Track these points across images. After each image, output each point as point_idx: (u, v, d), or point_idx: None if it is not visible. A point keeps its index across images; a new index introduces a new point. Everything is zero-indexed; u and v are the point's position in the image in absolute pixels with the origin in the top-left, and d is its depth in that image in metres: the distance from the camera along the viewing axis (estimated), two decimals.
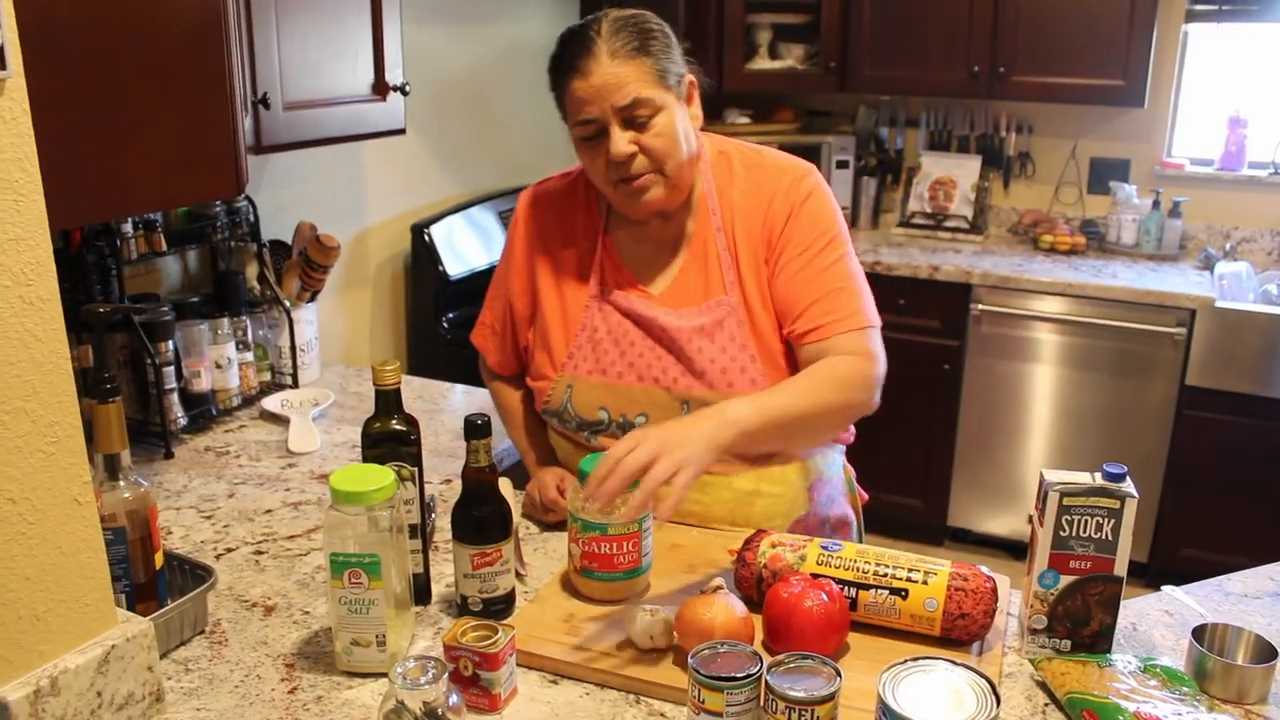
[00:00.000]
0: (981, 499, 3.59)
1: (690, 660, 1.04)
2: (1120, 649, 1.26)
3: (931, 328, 3.45)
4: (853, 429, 1.65)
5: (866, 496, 1.73)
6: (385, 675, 1.18)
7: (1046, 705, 1.18)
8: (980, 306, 3.38)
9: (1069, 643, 1.25)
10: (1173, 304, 3.14)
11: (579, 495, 1.32)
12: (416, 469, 1.30)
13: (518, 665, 1.23)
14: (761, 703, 1.03)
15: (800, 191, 1.51)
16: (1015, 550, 3.60)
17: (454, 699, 1.07)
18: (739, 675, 1.01)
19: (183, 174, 1.41)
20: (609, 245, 1.57)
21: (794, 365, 1.50)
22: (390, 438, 1.29)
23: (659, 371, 1.51)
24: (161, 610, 1.22)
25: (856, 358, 1.44)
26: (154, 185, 1.37)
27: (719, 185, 1.54)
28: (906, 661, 1.02)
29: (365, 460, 1.29)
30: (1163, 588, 1.43)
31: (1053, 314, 3.32)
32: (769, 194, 1.51)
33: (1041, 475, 1.24)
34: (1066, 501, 1.20)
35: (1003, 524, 3.58)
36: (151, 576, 1.25)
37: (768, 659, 1.04)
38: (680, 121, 1.44)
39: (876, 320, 1.50)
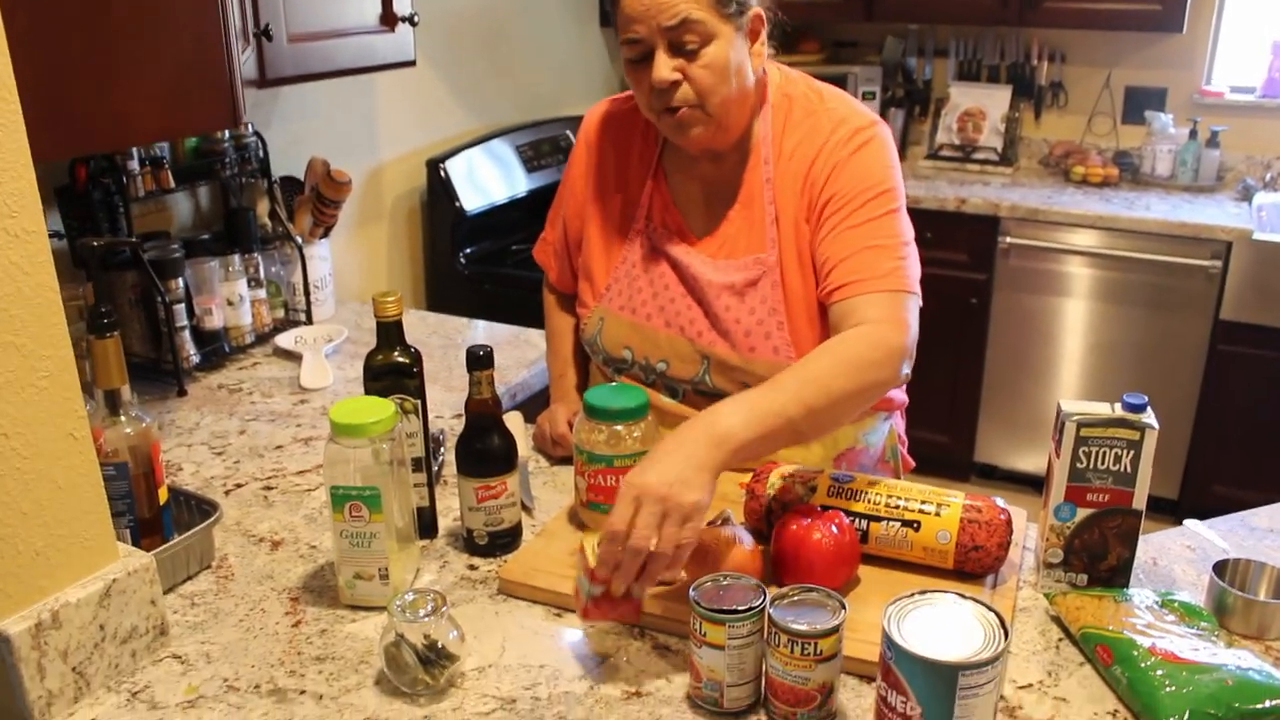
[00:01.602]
0: (1009, 435, 3.55)
1: (691, 593, 1.02)
2: (1139, 584, 1.23)
3: (959, 261, 3.38)
4: (904, 394, 1.58)
5: (912, 464, 1.68)
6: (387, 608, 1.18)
7: (1060, 640, 1.15)
8: (1009, 240, 3.31)
9: (1085, 577, 1.22)
10: (1208, 236, 3.05)
11: (585, 429, 1.29)
12: (420, 401, 1.28)
13: (524, 599, 1.22)
14: (765, 636, 1.01)
15: (852, 145, 1.38)
16: (1042, 486, 3.55)
17: (453, 633, 1.06)
18: (741, 608, 0.99)
19: (177, 105, 1.38)
20: (661, 180, 1.51)
21: (828, 332, 1.38)
22: (392, 370, 1.27)
23: (686, 321, 1.47)
24: (166, 545, 1.22)
25: (879, 326, 1.30)
26: (147, 116, 1.35)
27: (776, 132, 1.44)
28: (913, 594, 1.00)
29: (367, 393, 1.27)
30: (1185, 522, 1.39)
31: (1084, 247, 3.24)
32: (817, 148, 1.40)
33: (1059, 406, 1.20)
34: (1084, 433, 1.16)
35: (1030, 460, 3.54)
36: (156, 512, 1.24)
37: (772, 592, 1.02)
38: (735, 55, 1.33)
39: (915, 288, 1.35)
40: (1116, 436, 1.16)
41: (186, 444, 1.64)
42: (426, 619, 1.05)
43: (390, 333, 1.27)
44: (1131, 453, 1.16)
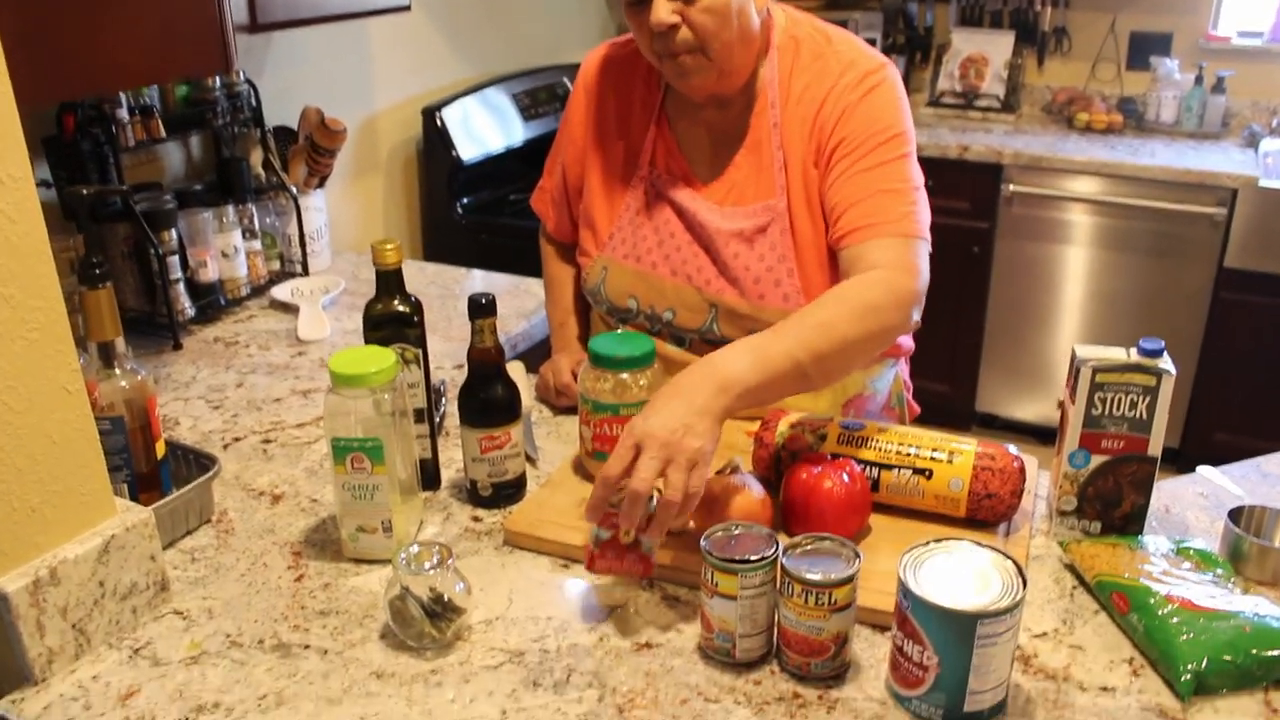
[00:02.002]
0: (1010, 384, 3.53)
1: (703, 543, 1.00)
2: (1152, 531, 1.22)
3: (961, 209, 3.34)
4: (910, 341, 1.56)
5: (918, 409, 1.66)
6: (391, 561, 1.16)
7: (1075, 588, 1.14)
8: (1012, 187, 3.27)
9: (1099, 524, 1.20)
10: (1213, 183, 3.02)
11: (590, 378, 1.27)
12: (421, 351, 1.26)
13: (530, 551, 1.20)
14: (777, 586, 0.99)
15: (861, 88, 1.34)
16: (1043, 435, 3.56)
17: (459, 586, 1.04)
18: (753, 558, 0.97)
19: (166, 48, 1.34)
20: (664, 125, 1.47)
21: (838, 279, 1.35)
22: (393, 319, 1.24)
23: (693, 269, 1.44)
24: (164, 500, 1.19)
25: (890, 272, 1.26)
26: (135, 59, 1.31)
27: (783, 75, 1.39)
28: (929, 543, 0.98)
29: (367, 343, 1.24)
30: (1198, 468, 1.38)
31: (1087, 195, 3.20)
32: (825, 91, 1.36)
33: (1074, 351, 1.17)
34: (1100, 378, 1.14)
35: (1031, 409, 3.53)
36: (153, 466, 1.22)
37: (784, 541, 1.00)
38: None
39: (926, 233, 1.32)
40: (1132, 382, 1.14)
41: (183, 398, 1.62)
42: (432, 572, 1.03)
43: (390, 281, 1.24)
44: (1147, 398, 1.14)
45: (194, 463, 1.30)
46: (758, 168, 1.41)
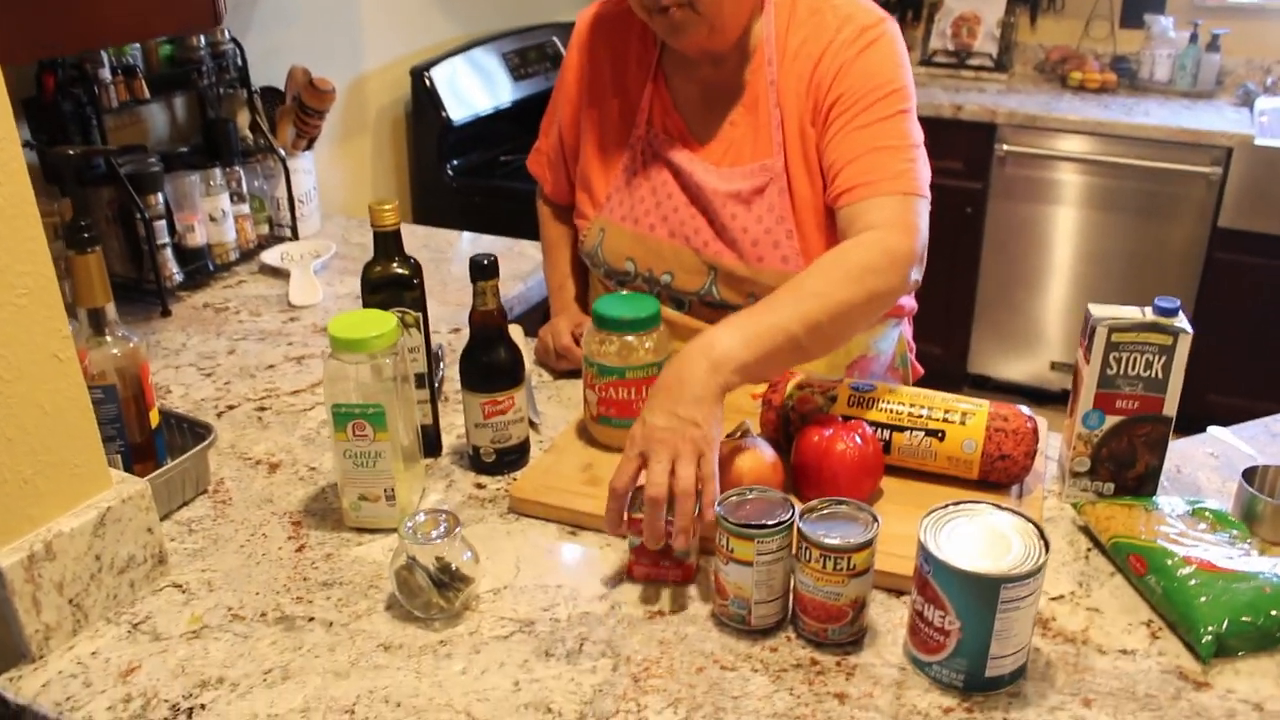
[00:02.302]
0: (1002, 345, 3.52)
1: (718, 508, 0.98)
2: (1164, 492, 1.20)
3: (954, 169, 3.31)
4: (913, 301, 1.53)
5: (921, 371, 1.64)
6: (395, 531, 1.14)
7: (1089, 550, 1.12)
8: (1005, 147, 3.24)
9: (1112, 485, 1.19)
10: (1209, 142, 2.99)
11: (595, 341, 1.24)
12: (421, 314, 1.23)
13: (536, 518, 1.18)
14: (794, 551, 0.97)
15: (859, 43, 1.30)
16: (1036, 396, 3.55)
17: (466, 555, 1.02)
18: (770, 523, 0.95)
19: (152, 2, 1.29)
20: (661, 83, 1.43)
21: (837, 240, 1.31)
22: (391, 282, 1.21)
23: (691, 231, 1.40)
24: (160, 470, 1.16)
25: (887, 232, 1.22)
26: (120, 15, 1.26)
27: (779, 31, 1.35)
28: (948, 505, 0.96)
29: (366, 306, 1.21)
30: (1209, 429, 1.36)
31: (1081, 154, 3.18)
32: (823, 47, 1.32)
33: (1088, 310, 1.15)
34: (1115, 338, 1.12)
35: (1023, 370, 3.52)
36: (147, 435, 1.19)
37: (799, 505, 0.98)
38: None
39: (925, 191, 1.28)
40: (1148, 341, 1.12)
41: (173, 365, 1.58)
42: (439, 540, 1.01)
43: (388, 243, 1.21)
44: (1163, 358, 1.12)
45: (189, 432, 1.27)
46: (754, 127, 1.37)
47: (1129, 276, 3.25)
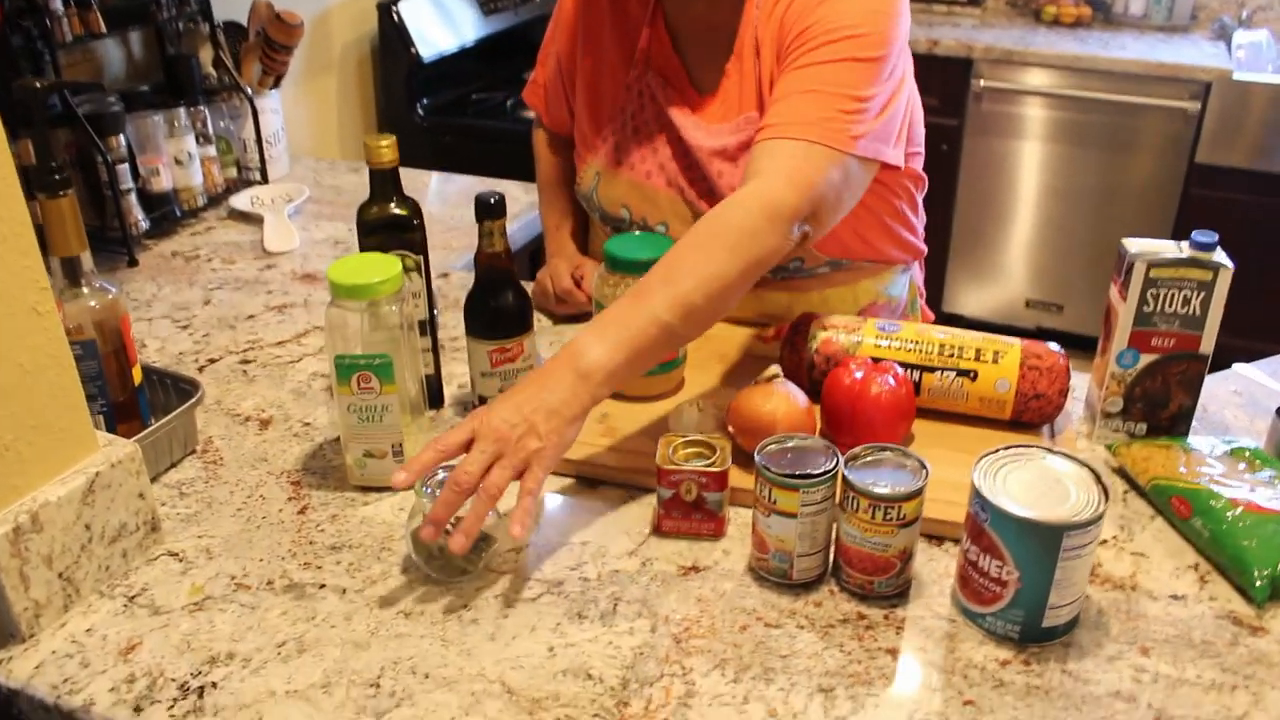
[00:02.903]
0: (976, 282, 3.50)
1: (757, 457, 0.92)
2: (1194, 433, 1.17)
3: (929, 106, 3.18)
4: (921, 243, 1.45)
5: (932, 316, 1.58)
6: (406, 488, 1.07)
7: (1127, 493, 1.09)
8: (982, 83, 3.19)
9: (1144, 426, 1.15)
10: (1187, 77, 2.96)
11: (608, 284, 1.17)
12: (422, 258, 1.15)
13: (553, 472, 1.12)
14: (839, 500, 0.92)
15: None
16: (1008, 335, 3.54)
17: (490, 516, 0.96)
18: (815, 472, 0.90)
19: None
20: (659, 23, 1.34)
21: None
22: (390, 224, 1.13)
23: (685, 182, 1.33)
24: (146, 430, 1.08)
25: (764, 183, 1.09)
26: None
27: None
28: (999, 450, 0.91)
29: (363, 250, 1.13)
30: (1234, 365, 1.33)
31: (1058, 89, 3.14)
32: None
33: (1122, 246, 1.11)
34: (1153, 274, 1.08)
35: (996, 309, 3.52)
36: (130, 394, 1.11)
37: (842, 452, 0.93)
38: None
39: (855, 148, 1.11)
40: (1188, 277, 1.08)
41: (146, 318, 1.49)
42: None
43: (386, 181, 1.12)
44: (1202, 294, 1.08)
45: (171, 388, 1.19)
46: (742, 77, 1.29)
47: (1105, 213, 3.23)
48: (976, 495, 0.87)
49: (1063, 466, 0.90)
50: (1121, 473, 1.11)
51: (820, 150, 1.11)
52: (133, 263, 1.66)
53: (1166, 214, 3.14)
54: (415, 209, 1.14)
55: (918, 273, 1.54)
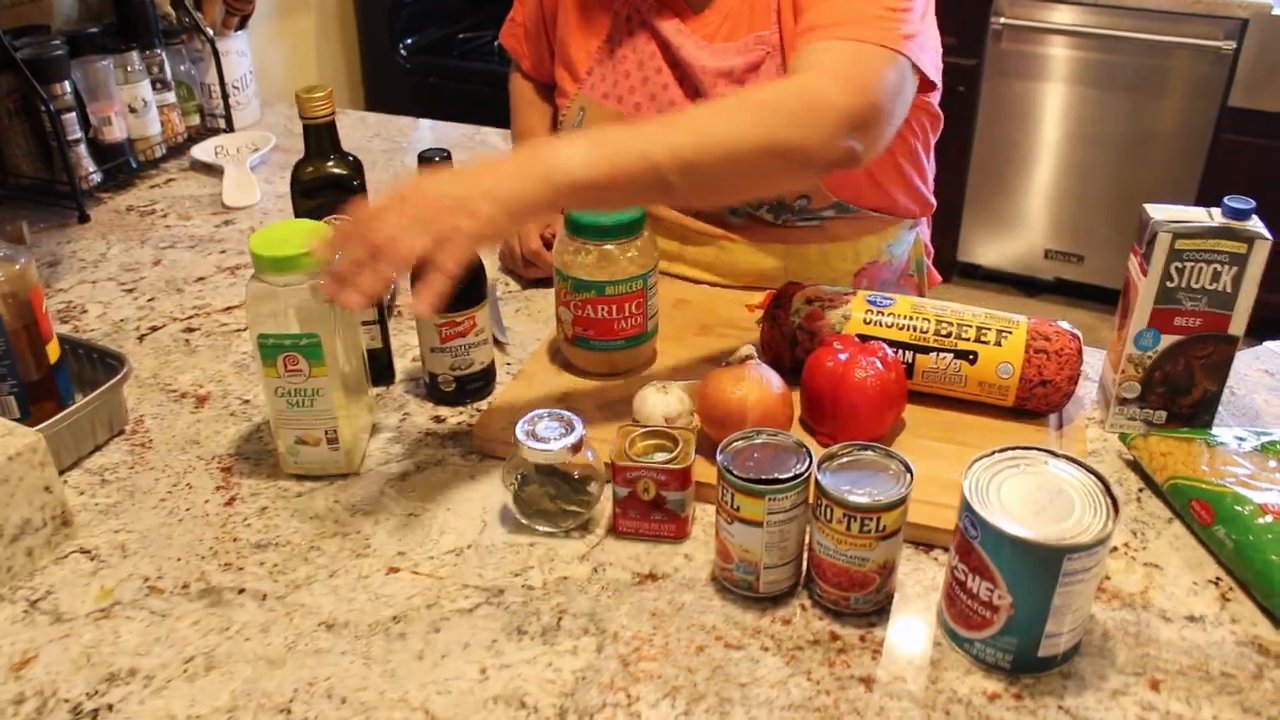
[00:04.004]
0: (994, 232, 3.36)
1: (720, 457, 0.82)
2: (1220, 421, 1.06)
3: (946, 45, 3.06)
4: (931, 197, 1.33)
5: (939, 279, 1.47)
6: (341, 477, 0.98)
7: (1141, 491, 0.98)
8: (1003, 20, 3.02)
9: (1164, 414, 1.04)
10: (1223, 13, 2.78)
11: (568, 249, 1.06)
12: None
13: (503, 458, 1.02)
14: (812, 508, 0.82)
15: None
16: (1027, 286, 3.43)
17: (590, 454, 0.91)
18: (783, 476, 0.80)
19: None
20: None
21: None
22: (328, 184, 1.02)
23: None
24: (57, 416, 0.99)
25: (818, 76, 0.98)
26: None
27: None
28: (994, 453, 0.81)
29: (298, 214, 1.03)
30: (1265, 343, 1.21)
31: (1083, 27, 2.96)
32: None
33: (1144, 212, 0.99)
34: (1180, 245, 0.96)
35: (1013, 258, 3.38)
36: (46, 372, 1.01)
37: (817, 451, 0.83)
38: None
39: (906, 48, 1.01)
40: (1218, 249, 0.96)
41: (91, 280, 1.39)
42: (567, 444, 0.88)
43: (322, 137, 1.02)
44: (1234, 269, 0.96)
45: (99, 363, 1.09)
46: None
47: (1130, 160, 3.08)
48: (966, 508, 0.76)
49: (1068, 474, 0.79)
50: (1136, 467, 1.01)
51: (873, 50, 0.99)
52: (83, 219, 1.55)
53: (1195, 161, 2.98)
54: (356, 167, 1.04)
55: (925, 230, 1.42)
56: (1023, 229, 3.33)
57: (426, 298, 0.83)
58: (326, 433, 0.97)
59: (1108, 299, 3.34)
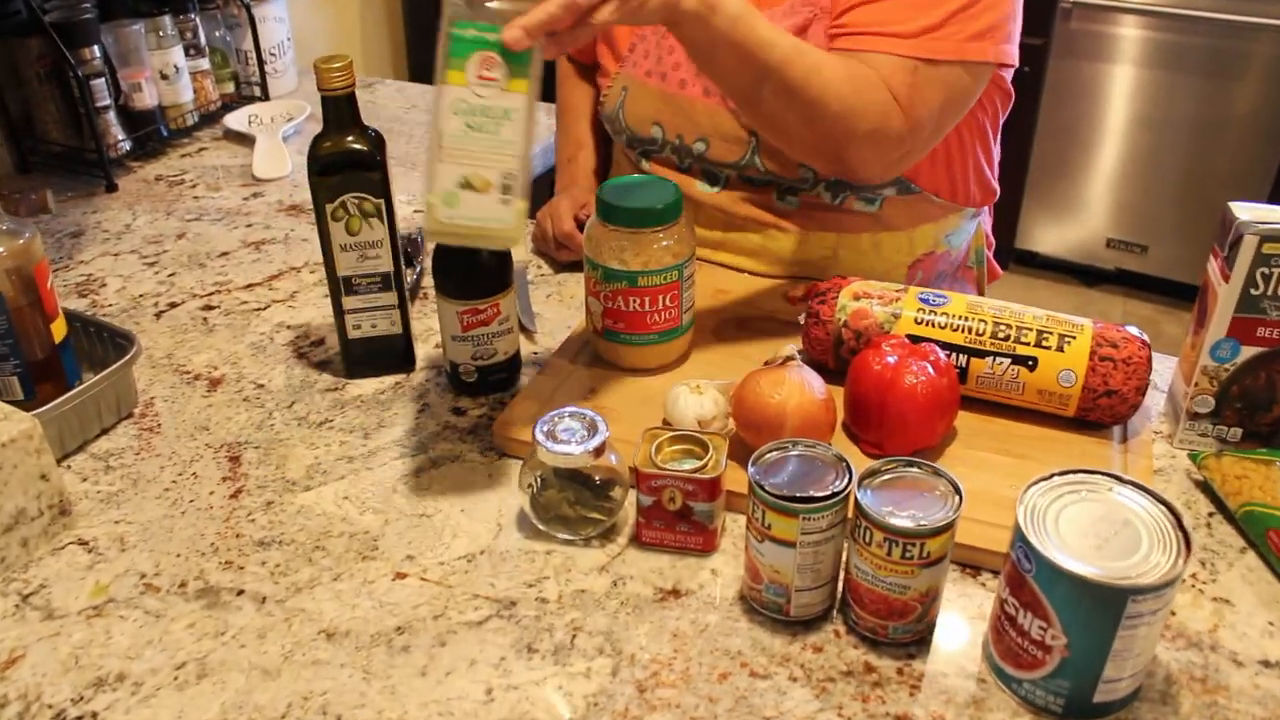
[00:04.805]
0: (1055, 218, 3.24)
1: (751, 470, 0.76)
2: None
3: None
4: (995, 183, 1.26)
5: (1000, 273, 1.38)
6: (499, 245, 0.92)
7: (1211, 515, 0.90)
8: None
9: (1239, 431, 0.96)
10: None
11: (600, 236, 1.00)
12: (384, 201, 0.99)
13: (515, 457, 0.96)
14: (850, 528, 0.75)
15: None
16: (1086, 275, 3.31)
17: (613, 457, 0.85)
18: (819, 494, 0.73)
19: None
20: None
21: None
22: (346, 160, 0.96)
23: None
24: (68, 394, 0.95)
25: (889, 99, 1.00)
26: None
27: None
28: (1053, 477, 0.73)
29: (314, 191, 0.97)
30: None
31: (1158, 6, 2.82)
32: None
33: (1228, 211, 0.90)
34: (1267, 249, 0.87)
35: (1073, 247, 3.25)
36: (51, 351, 0.97)
37: (859, 462, 0.76)
38: None
39: (961, 52, 1.00)
40: None
41: (113, 252, 1.35)
42: (589, 448, 0.82)
43: (340, 110, 0.96)
44: None
45: (109, 342, 1.05)
46: None
47: (1201, 148, 2.94)
48: (1020, 539, 0.69)
49: (1135, 503, 0.71)
50: (1206, 489, 0.92)
51: (928, 69, 1.01)
52: (111, 187, 1.52)
53: (1271, 147, 2.84)
54: (376, 142, 0.98)
55: (986, 219, 1.34)
56: (1085, 216, 3.20)
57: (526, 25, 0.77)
58: (504, 176, 0.79)
59: (1171, 292, 3.21)
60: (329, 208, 0.98)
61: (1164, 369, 1.04)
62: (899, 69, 1.00)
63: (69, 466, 0.96)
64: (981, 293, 1.36)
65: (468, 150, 0.79)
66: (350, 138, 0.97)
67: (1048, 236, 3.28)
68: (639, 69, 1.20)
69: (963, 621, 0.79)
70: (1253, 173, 2.88)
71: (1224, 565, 0.85)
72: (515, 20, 0.77)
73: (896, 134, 1.01)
